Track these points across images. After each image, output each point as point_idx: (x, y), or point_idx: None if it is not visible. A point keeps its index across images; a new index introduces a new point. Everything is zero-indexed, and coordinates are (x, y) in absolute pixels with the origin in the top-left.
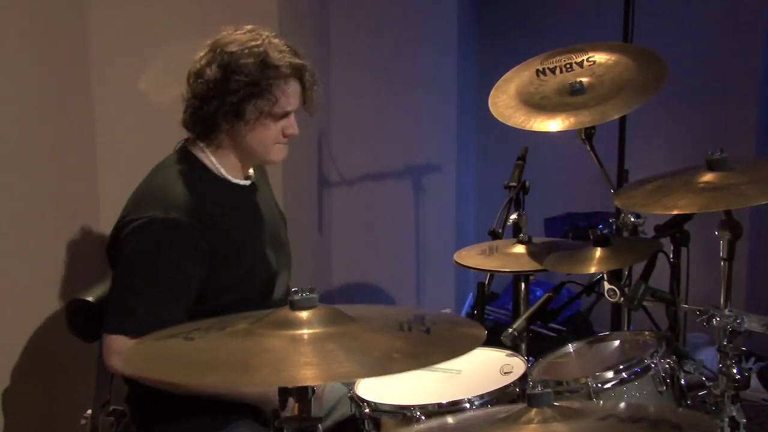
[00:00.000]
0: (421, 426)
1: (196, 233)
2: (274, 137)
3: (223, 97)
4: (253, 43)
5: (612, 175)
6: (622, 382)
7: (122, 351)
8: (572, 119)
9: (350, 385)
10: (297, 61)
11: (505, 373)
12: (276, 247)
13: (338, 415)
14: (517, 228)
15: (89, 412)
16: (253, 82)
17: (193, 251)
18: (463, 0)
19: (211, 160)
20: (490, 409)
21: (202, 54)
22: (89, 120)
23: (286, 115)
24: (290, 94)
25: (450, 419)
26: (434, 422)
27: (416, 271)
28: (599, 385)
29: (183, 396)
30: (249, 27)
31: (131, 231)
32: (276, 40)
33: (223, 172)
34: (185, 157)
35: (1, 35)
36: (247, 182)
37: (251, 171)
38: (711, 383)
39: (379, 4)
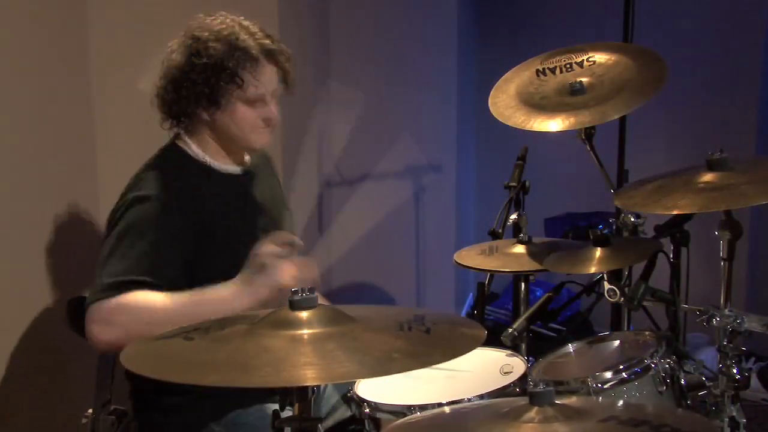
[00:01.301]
0: (420, 415)
1: (174, 216)
2: (252, 122)
3: (193, 83)
4: (222, 26)
5: (612, 175)
6: (622, 382)
7: (106, 314)
8: (572, 119)
9: (350, 385)
10: (267, 42)
11: (505, 373)
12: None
13: (338, 415)
14: (517, 228)
15: (89, 411)
16: (220, 65)
17: (174, 232)
18: (463, 0)
19: (192, 148)
20: (492, 402)
21: (172, 42)
22: (89, 120)
23: (260, 98)
24: (262, 78)
25: (448, 410)
26: (433, 412)
27: (416, 271)
28: (599, 385)
29: (185, 392)
30: (222, 14)
31: (115, 212)
32: (247, 24)
33: (208, 159)
34: (169, 147)
35: (1, 35)
36: (237, 169)
37: (247, 159)
38: (711, 383)
39: (379, 4)
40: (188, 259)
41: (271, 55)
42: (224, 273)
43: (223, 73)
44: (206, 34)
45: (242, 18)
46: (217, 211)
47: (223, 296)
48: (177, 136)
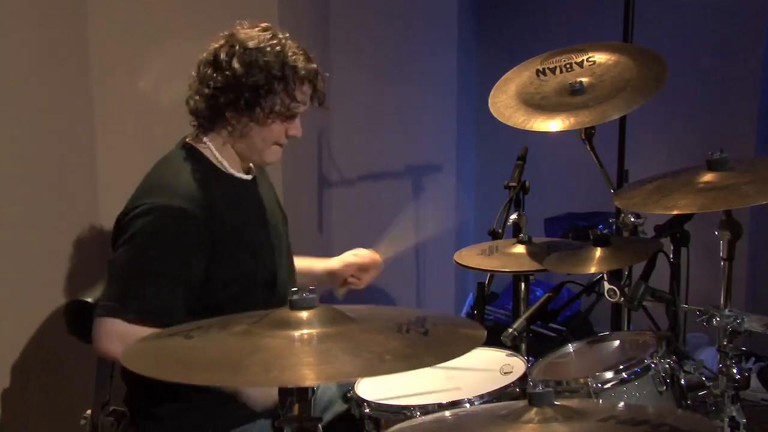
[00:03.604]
0: (420, 419)
1: (200, 224)
2: (277, 137)
3: (241, 91)
4: (273, 41)
5: (612, 175)
6: (622, 382)
7: (124, 336)
8: (572, 119)
9: (349, 385)
10: (312, 66)
11: (505, 373)
12: (277, 241)
13: (335, 410)
14: (517, 228)
15: (89, 412)
16: (274, 79)
17: (196, 242)
18: (463, 0)
19: (214, 154)
20: (491, 405)
21: (217, 46)
22: (89, 120)
23: (294, 116)
24: (303, 96)
25: (449, 414)
26: (434, 416)
27: (416, 271)
28: (599, 385)
29: (183, 396)
30: (263, 25)
31: (134, 216)
32: (290, 42)
33: (227, 166)
34: (190, 151)
35: (1, 35)
36: (249, 176)
37: (252, 165)
38: (711, 383)
39: (379, 4)
40: (210, 267)
41: (314, 77)
42: (239, 279)
43: (275, 86)
44: (260, 45)
45: (288, 35)
46: (238, 219)
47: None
48: (195, 136)
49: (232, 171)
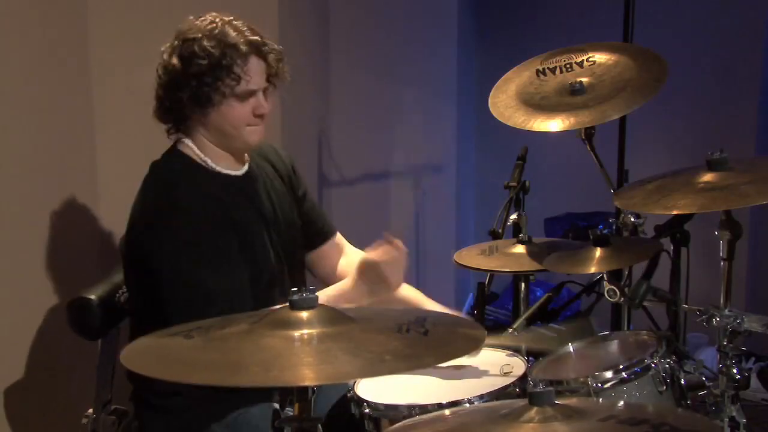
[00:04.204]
0: (420, 419)
1: (209, 225)
2: (245, 118)
3: (188, 84)
4: (211, 26)
5: (612, 175)
6: (622, 382)
7: None
8: (572, 119)
9: (350, 385)
10: (254, 38)
11: (505, 373)
12: (276, 237)
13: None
14: (517, 228)
15: (90, 411)
16: (214, 63)
17: (214, 228)
18: (463, 0)
19: (197, 154)
20: (491, 404)
21: (165, 47)
22: (89, 120)
23: (251, 93)
24: (252, 72)
25: (449, 414)
26: (434, 416)
27: (416, 271)
28: (599, 385)
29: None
30: (211, 14)
31: (131, 242)
32: (236, 22)
33: (210, 163)
34: (177, 155)
35: (1, 35)
36: (239, 172)
37: (246, 159)
38: (711, 383)
39: (379, 4)
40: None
41: (258, 49)
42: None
43: (217, 70)
44: (198, 35)
45: (231, 18)
46: (225, 214)
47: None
48: (179, 140)
49: (218, 168)
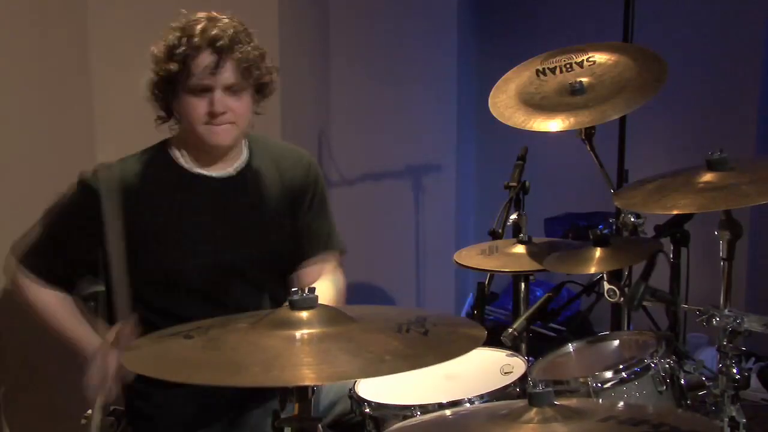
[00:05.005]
0: (420, 419)
1: (100, 201)
2: (199, 116)
3: (157, 73)
4: (192, 21)
5: (612, 175)
6: (622, 382)
7: (22, 286)
8: (572, 119)
9: (350, 384)
10: (210, 33)
11: (505, 373)
12: (243, 246)
13: (338, 410)
14: (517, 228)
15: (89, 412)
16: (170, 53)
17: (87, 216)
18: (462, 0)
19: (172, 150)
20: (491, 404)
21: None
22: (89, 119)
23: (204, 89)
24: (201, 66)
25: (449, 414)
26: (434, 416)
27: (416, 271)
28: (599, 385)
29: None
30: (209, 12)
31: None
32: (221, 22)
33: (182, 162)
34: (158, 144)
35: (1, 34)
36: (216, 174)
37: (241, 160)
38: (711, 383)
39: (378, 4)
40: (112, 252)
41: (214, 44)
42: (166, 272)
43: (172, 59)
44: (174, 25)
45: (225, 16)
46: (166, 212)
47: (84, 345)
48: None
49: (190, 166)
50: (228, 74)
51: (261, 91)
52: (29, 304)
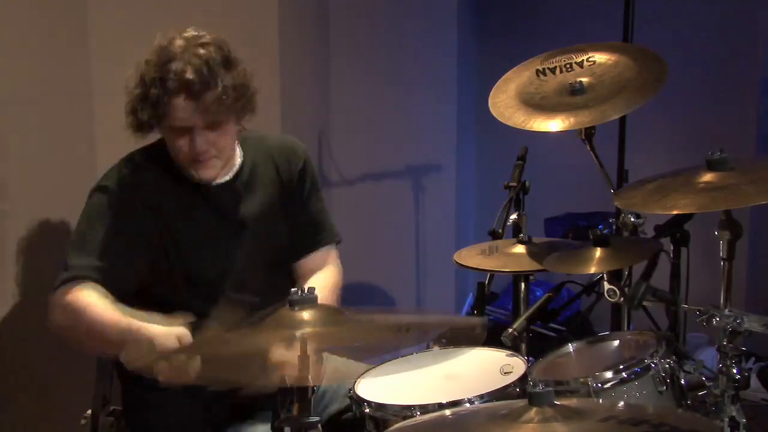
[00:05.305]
0: (420, 419)
1: (132, 208)
2: (184, 157)
3: (135, 105)
4: (168, 51)
5: (612, 175)
6: (622, 382)
7: (57, 302)
8: (572, 119)
9: (350, 385)
10: (188, 75)
11: (505, 373)
12: (231, 249)
13: (334, 409)
14: (517, 228)
15: (89, 412)
16: (145, 92)
17: (124, 223)
18: (463, 0)
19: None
20: (491, 404)
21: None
22: (89, 119)
23: (182, 130)
24: (176, 110)
25: (449, 414)
26: (434, 416)
27: (416, 271)
28: (599, 385)
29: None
30: (188, 33)
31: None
32: (201, 50)
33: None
34: (158, 142)
35: (1, 33)
36: (214, 182)
37: (237, 164)
38: (711, 383)
39: (379, 4)
40: (143, 257)
41: (188, 89)
42: (174, 282)
43: (147, 99)
44: (152, 57)
45: (205, 39)
46: (177, 217)
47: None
48: None
49: (187, 173)
50: (206, 114)
51: (243, 112)
52: (81, 311)
